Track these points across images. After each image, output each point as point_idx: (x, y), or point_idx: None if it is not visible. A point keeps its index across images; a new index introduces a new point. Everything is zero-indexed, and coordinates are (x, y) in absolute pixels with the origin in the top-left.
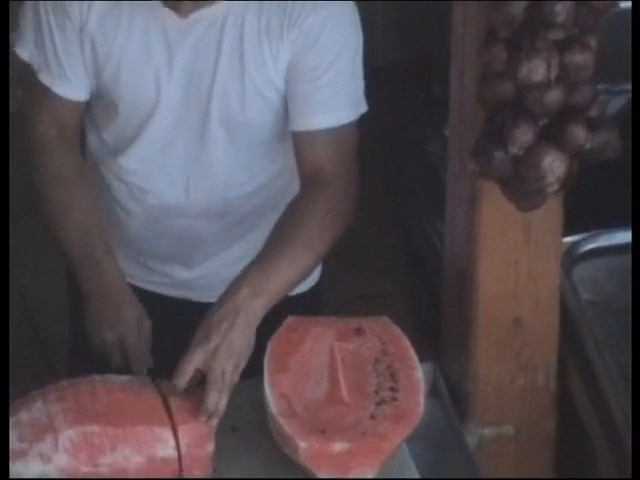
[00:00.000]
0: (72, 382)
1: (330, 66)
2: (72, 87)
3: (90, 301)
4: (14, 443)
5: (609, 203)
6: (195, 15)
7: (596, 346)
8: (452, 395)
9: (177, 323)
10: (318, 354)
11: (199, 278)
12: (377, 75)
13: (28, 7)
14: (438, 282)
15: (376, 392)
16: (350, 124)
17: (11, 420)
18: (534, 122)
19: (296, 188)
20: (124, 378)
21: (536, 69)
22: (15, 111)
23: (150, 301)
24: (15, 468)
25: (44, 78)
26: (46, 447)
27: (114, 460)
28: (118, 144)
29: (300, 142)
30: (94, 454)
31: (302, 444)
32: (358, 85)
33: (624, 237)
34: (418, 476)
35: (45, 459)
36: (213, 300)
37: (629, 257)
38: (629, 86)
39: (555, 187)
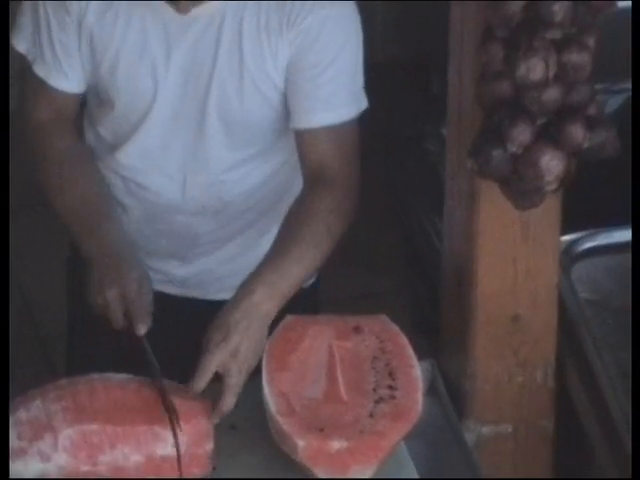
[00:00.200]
0: (71, 381)
1: (330, 64)
2: (68, 80)
3: (92, 265)
4: (13, 442)
5: (607, 202)
6: (194, 12)
7: (594, 344)
8: (450, 393)
9: (173, 320)
10: (316, 352)
11: (195, 275)
12: (376, 71)
13: (27, 1)
14: (437, 280)
15: (374, 390)
16: (351, 121)
17: (10, 419)
18: (532, 121)
19: (294, 188)
20: (123, 376)
21: (534, 68)
22: (15, 109)
23: None
24: (14, 467)
25: (39, 70)
26: (45, 446)
27: (113, 459)
28: (115, 140)
29: (302, 140)
30: (93, 453)
31: (301, 442)
32: (358, 82)
33: (622, 236)
34: (416, 474)
35: (44, 458)
36: (208, 297)
37: (628, 256)
38: (627, 85)
39: (553, 186)
